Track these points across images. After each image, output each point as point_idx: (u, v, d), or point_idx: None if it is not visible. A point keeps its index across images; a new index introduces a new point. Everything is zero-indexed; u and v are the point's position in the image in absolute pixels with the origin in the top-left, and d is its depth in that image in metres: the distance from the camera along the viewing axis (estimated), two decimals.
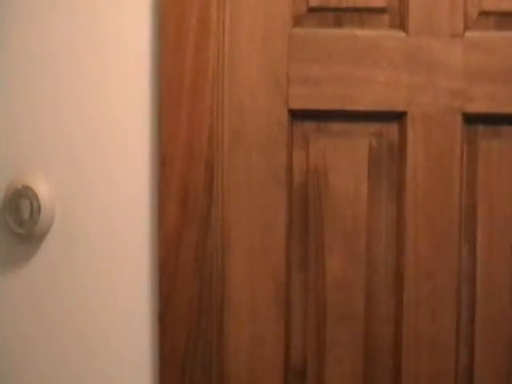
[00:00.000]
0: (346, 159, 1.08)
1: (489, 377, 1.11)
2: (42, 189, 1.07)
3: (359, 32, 1.06)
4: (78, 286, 1.08)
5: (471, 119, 1.07)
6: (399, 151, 1.08)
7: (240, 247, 1.07)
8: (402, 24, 1.06)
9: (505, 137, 1.09)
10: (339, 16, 1.06)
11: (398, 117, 1.07)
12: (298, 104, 1.06)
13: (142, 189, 1.06)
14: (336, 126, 1.08)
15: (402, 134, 1.07)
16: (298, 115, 1.07)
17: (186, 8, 1.03)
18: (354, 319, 1.09)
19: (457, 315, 1.09)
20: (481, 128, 1.09)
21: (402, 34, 1.06)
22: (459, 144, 1.07)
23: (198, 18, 1.03)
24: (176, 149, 1.05)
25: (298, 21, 1.06)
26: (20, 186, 1.06)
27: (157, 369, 1.06)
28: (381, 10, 1.07)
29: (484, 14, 1.07)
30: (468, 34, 1.06)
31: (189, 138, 1.04)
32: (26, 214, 1.06)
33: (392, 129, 1.08)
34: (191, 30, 1.03)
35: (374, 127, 1.08)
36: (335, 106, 1.06)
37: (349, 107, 1.06)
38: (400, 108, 1.06)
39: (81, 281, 1.08)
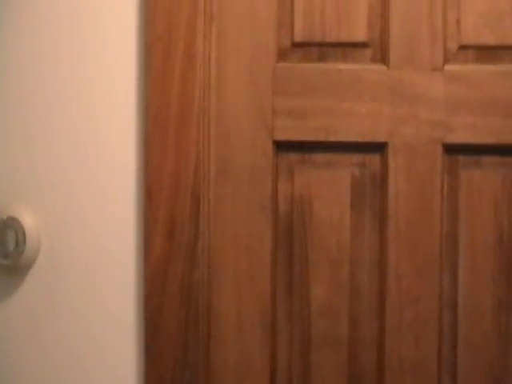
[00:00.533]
0: (329, 189, 1.10)
1: None
2: (28, 219, 1.07)
3: (342, 66, 1.08)
4: (64, 317, 1.08)
5: (452, 149, 1.09)
6: (381, 181, 1.10)
7: (226, 275, 1.08)
8: (383, 58, 1.09)
9: (485, 166, 1.11)
10: (323, 51, 1.09)
11: (380, 147, 1.09)
12: (282, 135, 1.08)
13: (128, 220, 1.06)
14: (320, 157, 1.10)
15: (384, 164, 1.09)
16: (282, 146, 1.08)
17: (172, 41, 1.04)
18: (338, 345, 1.11)
19: (439, 341, 1.10)
20: (461, 158, 1.11)
21: (383, 68, 1.08)
22: (440, 174, 1.09)
23: (185, 50, 1.05)
24: (162, 179, 1.05)
25: (282, 55, 1.08)
26: (5, 217, 1.06)
27: None
28: (363, 45, 1.09)
29: (463, 47, 1.09)
30: (448, 67, 1.08)
31: (175, 168, 1.05)
32: (11, 246, 1.06)
33: (374, 159, 1.10)
34: (177, 63, 1.05)
35: (357, 158, 1.10)
36: (319, 137, 1.08)
37: (332, 138, 1.08)
38: (382, 139, 1.09)
39: (67, 312, 1.08)
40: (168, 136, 1.05)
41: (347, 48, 1.09)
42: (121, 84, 1.06)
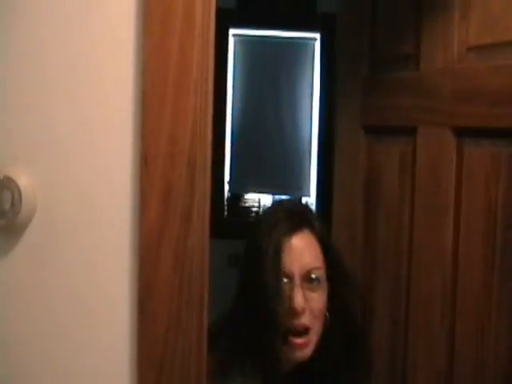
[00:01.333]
0: None
1: None
2: (24, 180, 1.07)
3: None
4: (59, 276, 1.08)
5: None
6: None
7: None
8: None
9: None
10: None
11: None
12: None
13: (125, 184, 1.06)
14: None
15: None
16: None
17: (171, 5, 1.02)
18: None
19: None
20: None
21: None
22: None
23: (184, 15, 1.02)
24: (158, 144, 1.04)
25: None
26: (1, 177, 1.06)
27: (135, 361, 1.07)
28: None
29: (470, 49, 1.32)
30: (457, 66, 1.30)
31: (172, 135, 1.04)
32: (7, 206, 1.06)
33: None
34: (176, 27, 1.02)
35: None
36: None
37: None
38: None
39: (62, 272, 1.08)
40: (165, 102, 1.03)
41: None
42: (119, 50, 1.04)
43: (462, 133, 1.42)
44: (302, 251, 1.49)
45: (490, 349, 1.38)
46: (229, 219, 3.85)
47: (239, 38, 3.88)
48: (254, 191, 3.84)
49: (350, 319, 1.56)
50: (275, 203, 1.60)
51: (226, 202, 3.88)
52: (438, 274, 1.54)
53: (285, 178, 3.76)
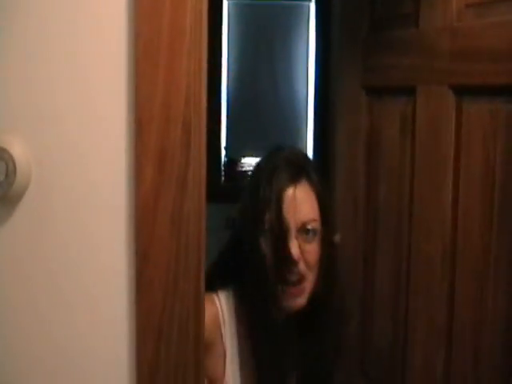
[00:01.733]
0: None
1: None
2: (18, 150, 1.06)
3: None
4: (55, 246, 1.08)
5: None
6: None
7: None
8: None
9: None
10: None
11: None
12: None
13: (120, 151, 1.05)
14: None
15: None
16: None
17: None
18: None
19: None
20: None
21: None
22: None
23: None
24: (152, 110, 1.03)
25: None
26: None
27: (134, 328, 1.07)
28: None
29: (468, 6, 1.28)
30: (455, 23, 1.28)
31: (165, 100, 1.03)
32: (1, 176, 1.05)
33: None
34: None
35: None
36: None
37: None
38: None
39: (58, 241, 1.07)
40: (158, 67, 1.02)
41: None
42: (110, 14, 1.03)
43: (460, 91, 1.41)
44: (299, 203, 1.50)
45: (489, 308, 1.39)
46: (226, 184, 3.85)
47: (233, 1, 3.84)
48: (251, 155, 3.83)
49: (329, 270, 1.58)
50: (275, 149, 1.59)
51: (222, 168, 3.87)
52: (437, 232, 1.54)
53: (282, 140, 3.74)
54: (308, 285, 1.52)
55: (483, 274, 1.40)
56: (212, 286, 1.52)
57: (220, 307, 1.55)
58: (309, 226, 1.50)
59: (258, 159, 1.65)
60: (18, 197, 1.07)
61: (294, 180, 1.52)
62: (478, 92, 1.34)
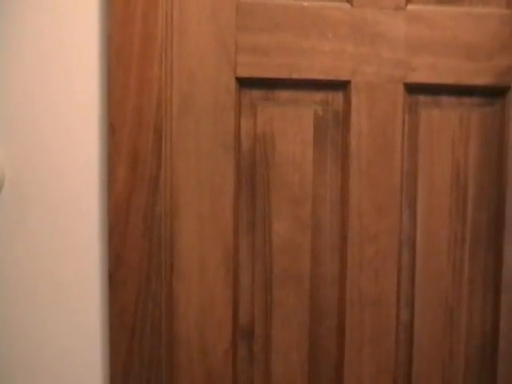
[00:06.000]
0: (292, 126, 1.11)
1: (427, 333, 1.17)
2: None
3: (306, 3, 1.08)
4: (29, 246, 1.08)
5: (413, 89, 1.11)
6: (344, 119, 1.12)
7: (189, 211, 1.09)
8: None
9: (444, 106, 1.14)
10: None
11: (343, 86, 1.10)
12: (245, 72, 1.08)
13: (92, 153, 1.06)
14: (283, 95, 1.11)
15: (347, 102, 1.11)
16: (245, 83, 1.09)
17: None
18: (299, 281, 1.13)
19: (398, 275, 1.14)
20: (422, 98, 1.14)
21: (347, 6, 1.09)
22: (401, 112, 1.11)
23: None
24: (125, 114, 1.05)
25: None
26: None
27: (107, 328, 1.08)
28: None
29: None
30: (410, 7, 1.10)
31: (138, 104, 1.05)
32: None
33: (337, 97, 1.12)
34: None
35: (319, 96, 1.11)
36: (282, 74, 1.08)
37: (296, 76, 1.09)
38: (345, 77, 1.09)
39: (32, 241, 1.08)
40: (130, 72, 1.04)
41: None
42: (83, 20, 1.05)
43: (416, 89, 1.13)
44: None
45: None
46: None
47: None
48: None
49: None
50: None
51: None
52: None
53: None
54: None
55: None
56: None
57: None
58: None
59: None
60: None
61: None
62: (442, 92, 1.14)
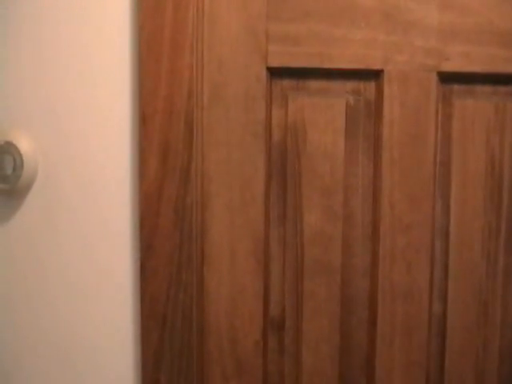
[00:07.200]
0: (324, 116, 1.10)
1: (460, 326, 1.15)
2: (25, 144, 1.08)
3: None
4: (61, 238, 1.10)
5: (446, 78, 1.09)
6: (376, 109, 1.10)
7: (219, 201, 1.08)
8: None
9: (479, 95, 1.12)
10: None
11: (375, 75, 1.09)
12: (276, 62, 1.07)
13: (124, 144, 1.07)
14: (314, 84, 1.10)
15: (379, 91, 1.09)
16: (276, 73, 1.08)
17: None
18: (331, 272, 1.12)
19: (430, 267, 1.12)
20: (455, 87, 1.11)
21: None
22: (434, 102, 1.09)
23: None
24: (156, 103, 1.05)
25: None
26: (2, 142, 1.07)
27: (138, 319, 1.09)
28: None
29: None
30: None
31: (169, 93, 1.05)
32: (8, 170, 1.07)
33: (369, 87, 1.10)
34: None
35: (351, 85, 1.10)
36: (314, 64, 1.07)
37: (327, 65, 1.07)
38: (377, 66, 1.08)
39: (64, 234, 1.09)
40: (161, 61, 1.04)
41: None
42: (114, 9, 1.05)
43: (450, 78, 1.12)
44: None
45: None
46: None
47: None
48: None
49: None
50: None
51: None
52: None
53: None
54: None
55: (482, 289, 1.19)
56: None
57: None
58: None
59: None
60: (26, 190, 1.09)
61: None
62: (476, 80, 1.12)
